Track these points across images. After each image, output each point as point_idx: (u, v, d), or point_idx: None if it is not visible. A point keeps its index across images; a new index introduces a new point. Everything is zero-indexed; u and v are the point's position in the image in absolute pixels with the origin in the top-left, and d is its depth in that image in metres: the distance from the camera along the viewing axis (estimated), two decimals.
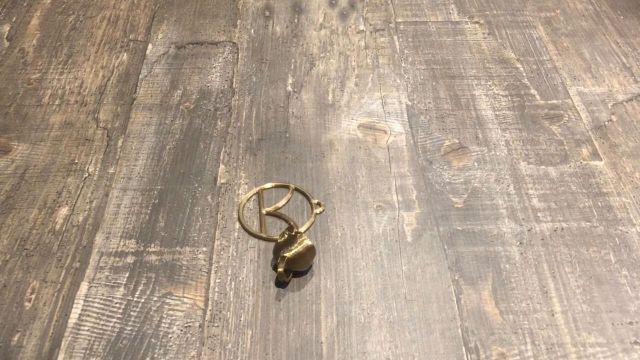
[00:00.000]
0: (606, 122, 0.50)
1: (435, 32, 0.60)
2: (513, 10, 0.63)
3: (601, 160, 0.47)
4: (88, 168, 0.47)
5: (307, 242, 0.38)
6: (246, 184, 0.46)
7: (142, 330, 0.37)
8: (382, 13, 0.62)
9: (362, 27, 0.60)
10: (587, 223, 0.43)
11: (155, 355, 0.36)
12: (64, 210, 0.44)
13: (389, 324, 0.37)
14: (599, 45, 0.58)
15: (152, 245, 0.42)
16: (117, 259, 0.41)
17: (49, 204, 0.44)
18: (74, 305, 0.38)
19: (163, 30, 0.60)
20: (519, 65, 0.56)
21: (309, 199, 0.44)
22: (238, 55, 0.57)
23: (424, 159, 0.47)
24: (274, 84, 0.54)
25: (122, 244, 0.42)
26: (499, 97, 0.53)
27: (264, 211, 0.43)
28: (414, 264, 0.40)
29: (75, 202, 0.44)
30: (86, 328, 0.37)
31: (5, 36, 0.59)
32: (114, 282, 0.39)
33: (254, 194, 0.45)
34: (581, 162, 0.47)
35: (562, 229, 0.42)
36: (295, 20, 0.61)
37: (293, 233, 0.39)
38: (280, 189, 0.45)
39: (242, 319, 0.38)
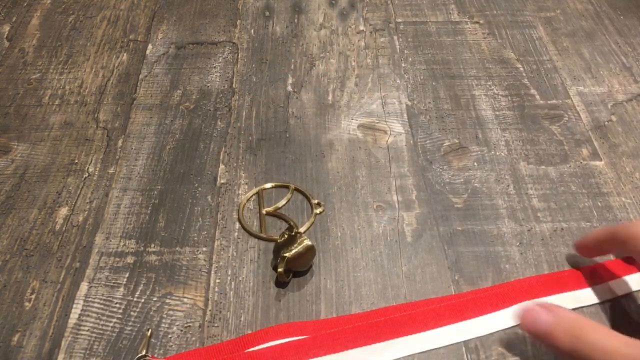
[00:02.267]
0: (606, 122, 0.50)
1: (435, 32, 0.60)
2: (513, 10, 0.63)
3: (601, 160, 0.47)
4: (88, 168, 0.47)
5: (307, 242, 0.38)
6: (246, 184, 0.46)
7: (142, 331, 0.37)
8: (382, 13, 0.62)
9: (362, 27, 0.60)
10: (587, 223, 0.43)
11: (156, 356, 0.36)
12: (64, 210, 0.44)
13: None
14: (599, 45, 0.58)
15: (152, 245, 0.42)
16: (117, 259, 0.41)
17: (49, 204, 0.44)
18: (74, 306, 0.38)
19: (163, 30, 0.60)
20: (519, 65, 0.56)
21: (309, 199, 0.44)
22: (238, 55, 0.57)
23: (424, 159, 0.47)
24: (274, 84, 0.54)
25: (122, 244, 0.42)
26: (499, 97, 0.53)
27: (264, 211, 0.43)
28: (414, 264, 0.40)
29: (75, 202, 0.44)
30: (86, 328, 0.37)
31: (5, 36, 0.59)
32: (114, 282, 0.39)
33: (254, 194, 0.45)
34: (581, 162, 0.47)
35: (562, 229, 0.42)
36: (295, 20, 0.61)
37: (293, 233, 0.39)
38: (280, 189, 0.45)
39: (242, 319, 0.38)
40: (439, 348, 0.36)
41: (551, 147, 0.48)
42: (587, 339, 0.29)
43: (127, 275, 0.40)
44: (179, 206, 0.44)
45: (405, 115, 0.51)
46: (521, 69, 0.56)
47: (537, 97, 0.53)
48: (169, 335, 0.37)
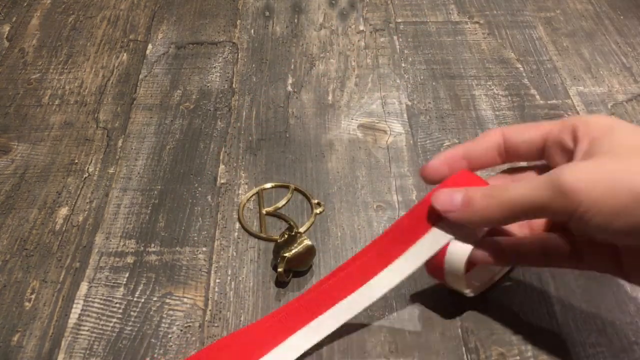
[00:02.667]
0: None
1: (435, 32, 0.60)
2: (513, 10, 0.63)
3: None
4: (88, 168, 0.47)
5: (307, 242, 0.38)
6: (246, 184, 0.46)
7: (142, 330, 0.37)
8: (382, 13, 0.62)
9: (362, 27, 0.60)
10: None
11: (155, 355, 0.36)
12: (64, 210, 0.44)
13: (389, 324, 0.37)
14: (599, 45, 0.58)
15: (152, 245, 0.42)
16: (117, 259, 0.41)
17: (49, 204, 0.44)
18: (74, 305, 0.38)
19: (163, 30, 0.60)
20: (519, 65, 0.56)
21: (309, 199, 0.44)
22: (238, 55, 0.57)
23: (424, 159, 0.47)
24: (274, 84, 0.54)
25: (122, 244, 0.42)
26: (499, 97, 0.53)
27: (264, 211, 0.43)
28: None
29: (75, 202, 0.44)
30: (86, 328, 0.37)
31: (5, 36, 0.60)
32: (114, 282, 0.39)
33: (254, 194, 0.45)
34: None
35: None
36: (295, 20, 0.61)
37: (293, 233, 0.39)
38: (280, 189, 0.45)
39: (242, 319, 0.38)
40: (440, 349, 0.36)
41: None
42: (503, 195, 0.29)
43: (127, 275, 0.40)
44: (179, 206, 0.44)
45: (405, 115, 0.51)
46: (521, 69, 0.56)
47: (537, 97, 0.53)
48: (169, 335, 0.37)
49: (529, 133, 0.32)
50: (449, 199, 0.31)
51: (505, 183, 0.32)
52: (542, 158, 0.32)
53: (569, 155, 0.30)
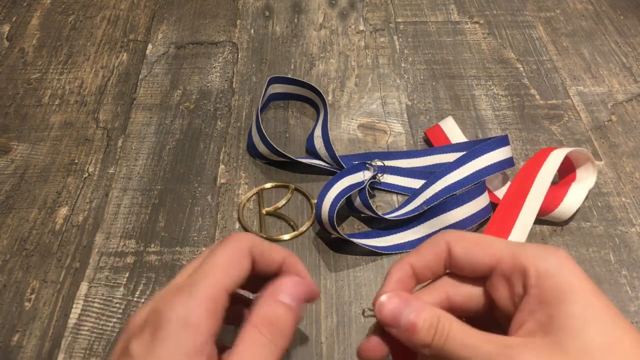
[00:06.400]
0: (606, 122, 0.50)
1: (435, 32, 0.60)
2: (513, 10, 0.63)
3: (601, 160, 0.47)
4: (88, 168, 0.47)
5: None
6: (246, 184, 0.46)
7: None
8: (382, 13, 0.62)
9: (362, 27, 0.60)
10: (587, 223, 0.43)
11: None
12: (64, 210, 0.44)
13: None
14: (599, 45, 0.58)
15: (152, 245, 0.42)
16: (117, 259, 0.41)
17: (49, 204, 0.44)
18: (74, 305, 0.38)
19: (163, 30, 0.60)
20: (519, 65, 0.56)
21: (309, 199, 0.44)
22: (238, 55, 0.57)
23: None
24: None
25: (122, 244, 0.42)
26: (499, 97, 0.53)
27: (264, 211, 0.43)
28: None
29: (75, 202, 0.44)
30: (86, 328, 0.37)
31: (5, 36, 0.59)
32: (114, 282, 0.39)
33: (254, 194, 0.45)
34: None
35: (562, 229, 0.42)
36: (295, 20, 0.61)
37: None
38: (280, 189, 0.45)
39: None
40: None
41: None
42: (450, 334, 0.26)
43: (127, 275, 0.40)
44: (179, 206, 0.44)
45: (405, 115, 0.51)
46: (521, 69, 0.56)
47: (537, 97, 0.53)
48: None
49: (476, 255, 0.28)
50: (392, 315, 0.27)
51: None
52: (484, 284, 0.29)
53: (514, 299, 0.27)
